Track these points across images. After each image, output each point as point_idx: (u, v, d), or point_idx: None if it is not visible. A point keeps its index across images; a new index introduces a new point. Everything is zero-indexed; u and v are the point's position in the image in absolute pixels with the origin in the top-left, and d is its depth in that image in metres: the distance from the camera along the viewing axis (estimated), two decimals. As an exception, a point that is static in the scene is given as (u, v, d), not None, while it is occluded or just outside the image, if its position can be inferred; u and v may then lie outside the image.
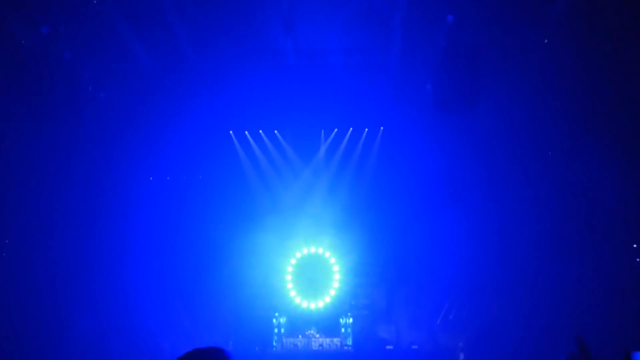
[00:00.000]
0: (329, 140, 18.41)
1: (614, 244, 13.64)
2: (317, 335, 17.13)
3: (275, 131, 18.40)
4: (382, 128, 18.10)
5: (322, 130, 18.42)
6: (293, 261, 18.56)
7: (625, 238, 13.62)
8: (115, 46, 13.79)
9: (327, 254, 18.57)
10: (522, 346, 14.15)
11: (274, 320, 17.76)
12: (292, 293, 18.34)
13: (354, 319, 17.65)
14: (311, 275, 18.42)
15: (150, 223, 16.87)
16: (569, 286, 14.40)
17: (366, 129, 18.22)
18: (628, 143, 13.14)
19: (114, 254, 16.50)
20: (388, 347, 16.86)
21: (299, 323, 17.77)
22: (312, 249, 18.61)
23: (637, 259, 13.88)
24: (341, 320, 17.67)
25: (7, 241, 14.44)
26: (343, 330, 17.54)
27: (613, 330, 12.34)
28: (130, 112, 16.15)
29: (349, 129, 18.28)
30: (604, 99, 13.14)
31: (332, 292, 18.33)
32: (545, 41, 13.37)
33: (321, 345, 16.99)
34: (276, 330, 17.65)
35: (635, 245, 13.66)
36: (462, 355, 15.98)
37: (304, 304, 18.22)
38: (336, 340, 17.11)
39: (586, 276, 14.01)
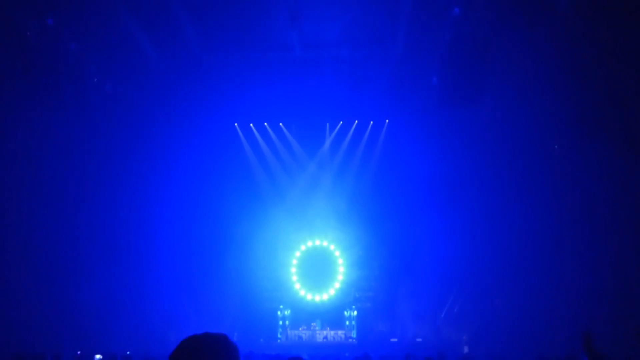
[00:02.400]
0: (334, 133, 18.39)
1: (616, 240, 13.60)
2: (321, 328, 17.24)
3: (281, 124, 18.39)
4: (387, 121, 18.06)
5: (327, 123, 18.40)
6: (298, 254, 18.63)
7: (628, 234, 13.56)
8: (121, 39, 13.78)
9: (332, 247, 18.62)
10: (526, 339, 14.17)
11: (279, 313, 17.88)
12: (297, 286, 18.41)
13: (358, 312, 17.74)
14: (316, 268, 18.48)
15: (155, 216, 16.93)
16: (572, 280, 14.38)
17: (371, 122, 18.19)
18: (635, 139, 13.06)
19: (120, 246, 16.57)
20: (392, 339, 16.93)
21: (303, 315, 17.86)
22: (317, 242, 18.67)
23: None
24: (345, 312, 17.77)
25: (15, 229, 14.56)
26: (347, 322, 17.64)
27: (613, 323, 12.36)
28: (136, 104, 16.16)
29: (354, 121, 18.25)
30: (611, 95, 13.05)
31: (337, 285, 18.39)
32: (552, 36, 13.26)
33: (325, 337, 17.08)
34: (281, 323, 17.76)
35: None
36: (466, 348, 16.03)
37: (309, 297, 18.30)
38: (340, 332, 17.20)
39: (589, 270, 13.99)
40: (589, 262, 14.04)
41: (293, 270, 18.51)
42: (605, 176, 13.89)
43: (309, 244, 18.66)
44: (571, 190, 14.94)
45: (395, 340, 16.93)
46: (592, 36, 12.56)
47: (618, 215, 13.67)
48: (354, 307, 17.86)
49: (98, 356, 11.80)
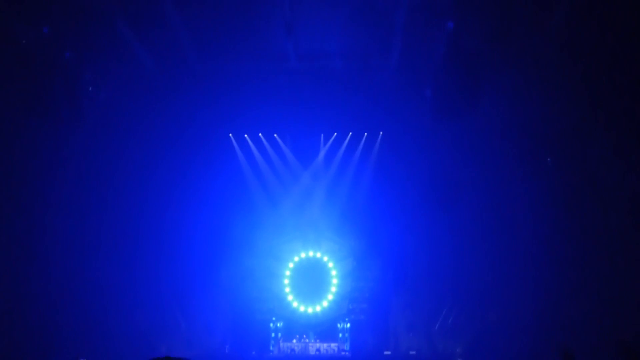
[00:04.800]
0: (329, 144, 18.42)
1: (615, 252, 13.61)
2: (314, 340, 17.13)
3: (275, 135, 18.41)
4: (381, 133, 18.12)
5: (322, 135, 18.43)
6: (291, 265, 18.53)
7: (623, 247, 13.60)
8: (116, 48, 13.80)
9: (325, 259, 18.56)
10: (520, 352, 14.13)
11: (271, 325, 17.76)
12: (290, 297, 18.30)
13: (351, 324, 17.65)
14: (309, 280, 18.38)
15: (147, 225, 16.81)
16: (569, 293, 14.39)
17: (365, 134, 18.24)
18: (627, 151, 13.17)
19: (111, 255, 16.43)
20: (386, 352, 16.83)
21: (296, 327, 17.74)
22: (310, 253, 18.59)
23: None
24: (339, 325, 17.68)
25: (7, 237, 14.46)
26: (340, 335, 17.54)
27: (614, 338, 12.34)
28: (130, 113, 16.12)
29: (349, 133, 18.30)
30: (604, 107, 13.19)
31: (330, 297, 18.30)
32: (545, 48, 13.44)
33: (318, 350, 16.96)
34: (273, 335, 17.64)
35: None
36: (459, 361, 15.96)
37: (302, 309, 18.18)
38: (333, 345, 17.09)
39: (587, 282, 13.99)
40: (589, 274, 14.05)
41: (286, 281, 18.40)
42: (598, 189, 13.98)
43: (302, 255, 18.58)
44: (567, 203, 15.01)
45: (389, 353, 16.83)
46: (583, 49, 12.72)
47: (612, 229, 13.71)
48: (347, 319, 17.77)
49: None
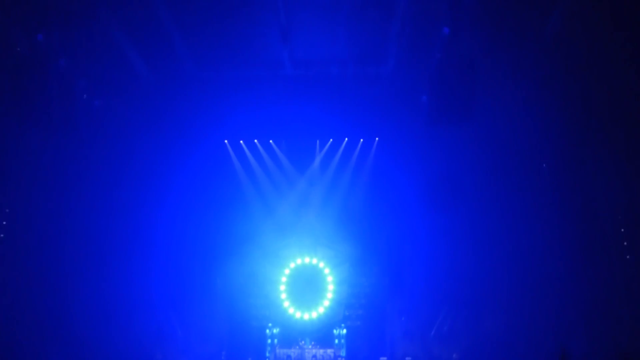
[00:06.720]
0: (324, 150, 18.42)
1: (613, 258, 13.64)
2: (310, 346, 17.11)
3: (271, 141, 18.40)
4: (377, 139, 18.14)
5: (318, 141, 18.44)
6: (287, 271, 18.51)
7: (625, 254, 13.63)
8: (111, 54, 13.79)
9: (321, 265, 18.54)
10: (516, 357, 14.14)
11: (267, 331, 17.73)
12: (286, 303, 18.27)
13: (347, 330, 17.64)
14: (305, 286, 18.36)
15: (143, 232, 16.78)
16: (566, 299, 14.41)
17: (361, 140, 18.25)
18: (621, 155, 13.23)
19: (105, 262, 16.38)
20: (382, 358, 16.83)
21: (292, 334, 17.71)
22: (307, 260, 18.58)
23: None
24: (335, 331, 17.66)
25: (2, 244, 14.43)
26: (337, 341, 17.53)
27: (611, 347, 12.36)
28: (125, 120, 16.12)
29: (344, 139, 18.31)
30: (598, 111, 13.25)
31: (326, 303, 18.28)
32: (540, 55, 13.50)
33: (314, 356, 16.94)
34: (269, 341, 17.62)
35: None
36: (456, 367, 15.95)
37: (298, 315, 18.16)
38: (330, 351, 17.07)
39: (584, 289, 14.00)
40: (582, 281, 14.07)
41: (282, 287, 18.37)
42: (592, 196, 14.02)
43: (299, 261, 18.56)
44: (562, 208, 15.05)
45: (385, 359, 16.82)
46: (579, 56, 12.77)
47: (607, 235, 13.75)
48: (343, 325, 17.76)
49: None
